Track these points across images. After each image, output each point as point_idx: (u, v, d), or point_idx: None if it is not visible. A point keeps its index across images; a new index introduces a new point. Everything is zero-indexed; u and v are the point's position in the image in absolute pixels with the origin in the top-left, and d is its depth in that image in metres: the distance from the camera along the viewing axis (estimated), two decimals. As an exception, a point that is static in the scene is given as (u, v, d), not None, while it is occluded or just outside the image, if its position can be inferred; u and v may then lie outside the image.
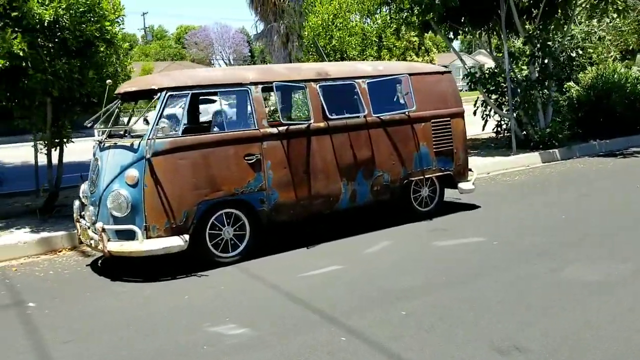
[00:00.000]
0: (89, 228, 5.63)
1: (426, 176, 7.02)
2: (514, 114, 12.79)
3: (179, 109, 5.88)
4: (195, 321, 4.31)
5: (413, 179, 6.92)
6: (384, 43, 11.29)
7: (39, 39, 6.93)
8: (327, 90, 6.31)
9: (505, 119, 12.95)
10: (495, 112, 13.19)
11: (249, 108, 5.82)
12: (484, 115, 13.47)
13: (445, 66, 13.45)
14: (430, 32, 12.96)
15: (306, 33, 11.06)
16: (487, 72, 12.81)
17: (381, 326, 4.01)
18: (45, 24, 6.86)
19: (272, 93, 6.79)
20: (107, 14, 7.50)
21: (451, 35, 13.80)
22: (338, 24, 10.75)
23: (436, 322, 4.01)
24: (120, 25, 7.93)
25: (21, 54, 6.73)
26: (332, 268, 5.39)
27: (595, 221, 6.50)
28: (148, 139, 5.26)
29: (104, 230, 5.38)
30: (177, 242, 5.33)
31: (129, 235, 5.32)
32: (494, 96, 13.08)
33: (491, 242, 5.93)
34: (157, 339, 4.06)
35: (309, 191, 6.11)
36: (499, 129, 13.50)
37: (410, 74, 6.86)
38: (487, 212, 7.35)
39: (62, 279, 5.69)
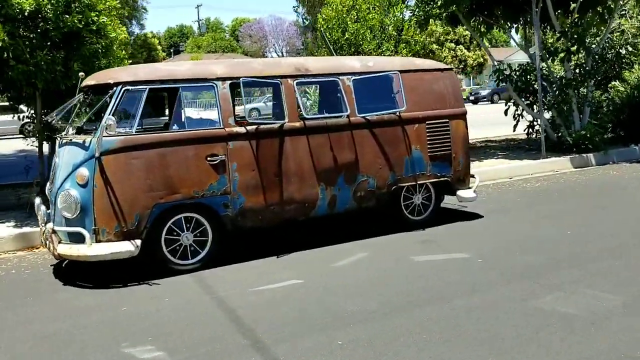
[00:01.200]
0: (43, 228, 5.38)
1: (419, 182, 6.46)
2: (548, 115, 11.96)
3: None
4: (116, 338, 3.96)
5: (403, 184, 6.37)
6: (403, 37, 10.68)
7: (20, 29, 6.75)
8: (305, 87, 5.84)
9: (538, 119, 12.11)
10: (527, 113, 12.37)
11: (215, 105, 5.41)
12: (516, 115, 12.67)
13: (500, 61, 12.78)
14: (459, 25, 12.21)
15: (318, 25, 10.58)
16: (518, 68, 11.99)
17: (309, 357, 3.55)
18: (26, 14, 6.67)
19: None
20: (94, 4, 7.27)
21: (484, 29, 13.03)
22: (353, 16, 10.23)
23: (371, 357, 3.51)
24: (113, 15, 7.72)
25: (0, 44, 6.57)
26: (291, 282, 4.95)
27: (602, 239, 5.78)
28: (98, 137, 4.95)
29: (54, 231, 5.12)
30: (126, 248, 5.00)
31: (79, 238, 5.02)
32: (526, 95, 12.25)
33: (476, 259, 5.34)
34: (64, 356, 3.73)
35: (281, 196, 5.66)
36: (530, 129, 12.66)
37: (401, 71, 6.30)
38: (487, 223, 6.71)
39: (18, 279, 5.47)
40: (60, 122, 6.14)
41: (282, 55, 61.70)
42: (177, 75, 5.35)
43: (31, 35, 6.81)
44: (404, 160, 6.31)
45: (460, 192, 6.73)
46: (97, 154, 4.93)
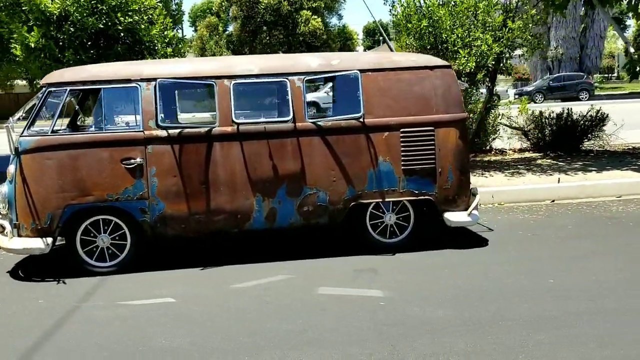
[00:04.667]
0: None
1: (387, 199, 5.53)
2: None
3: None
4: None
5: (366, 201, 5.52)
6: (494, 24, 9.11)
7: (52, 32, 7.36)
8: (244, 89, 5.38)
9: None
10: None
11: (136, 107, 5.27)
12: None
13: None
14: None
15: (395, 13, 9.55)
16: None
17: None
18: (55, 18, 7.25)
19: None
20: (128, 4, 7.59)
21: None
22: (435, 2, 9.04)
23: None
24: (151, 14, 8.00)
25: (33, 45, 7.26)
26: (164, 300, 4.63)
27: (573, 301, 4.33)
28: (20, 136, 5.17)
29: (-5, 222, 5.51)
30: (37, 244, 5.16)
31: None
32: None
33: (379, 301, 4.40)
34: None
35: (207, 205, 5.32)
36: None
37: (365, 70, 5.42)
38: (476, 255, 5.50)
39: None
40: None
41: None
42: (101, 77, 5.32)
43: (63, 37, 7.37)
44: (367, 174, 5.46)
45: (448, 215, 5.61)
46: (13, 153, 5.17)
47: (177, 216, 5.31)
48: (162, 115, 5.22)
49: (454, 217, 5.61)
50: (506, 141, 11.75)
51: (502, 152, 11.77)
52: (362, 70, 5.45)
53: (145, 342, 3.88)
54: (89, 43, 7.59)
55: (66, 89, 5.25)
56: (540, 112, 11.60)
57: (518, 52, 10.45)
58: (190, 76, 5.36)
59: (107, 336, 4.00)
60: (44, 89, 5.30)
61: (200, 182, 5.29)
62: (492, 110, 10.60)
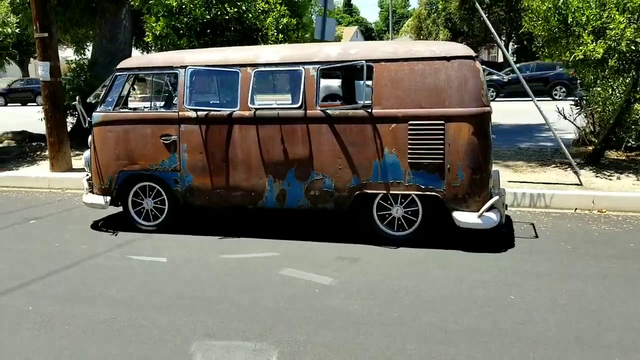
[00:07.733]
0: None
1: (392, 192, 5.46)
2: None
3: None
4: (-4, 260, 5.45)
5: (371, 191, 5.52)
6: (631, 3, 7.62)
7: (173, 22, 8.53)
8: (264, 77, 5.77)
9: None
10: None
11: (176, 90, 6.01)
12: None
13: None
14: None
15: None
16: None
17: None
18: (175, 10, 8.40)
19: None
20: (239, -5, 8.42)
21: None
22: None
23: None
24: (269, 4, 8.72)
25: (157, 33, 8.53)
26: (158, 259, 5.36)
27: (505, 321, 3.91)
28: (94, 111, 6.33)
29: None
30: (99, 201, 6.31)
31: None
32: None
33: (317, 288, 4.51)
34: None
35: (227, 181, 5.88)
36: None
37: (376, 60, 5.37)
38: (479, 260, 5.12)
39: (62, 209, 7.41)
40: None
41: None
42: (152, 64, 6.18)
43: (180, 26, 8.51)
44: (372, 164, 5.45)
45: (456, 214, 5.33)
46: (86, 125, 6.34)
47: (202, 188, 5.98)
48: (195, 99, 5.91)
49: (462, 217, 5.30)
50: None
51: (669, 152, 10.07)
52: (374, 61, 5.42)
53: (103, 290, 4.64)
54: (208, 30, 8.63)
55: (127, 74, 6.24)
56: None
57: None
58: (220, 64, 5.92)
59: (86, 280, 4.87)
60: (114, 73, 6.37)
61: (221, 159, 5.87)
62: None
